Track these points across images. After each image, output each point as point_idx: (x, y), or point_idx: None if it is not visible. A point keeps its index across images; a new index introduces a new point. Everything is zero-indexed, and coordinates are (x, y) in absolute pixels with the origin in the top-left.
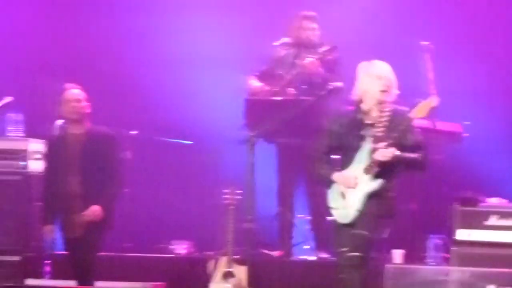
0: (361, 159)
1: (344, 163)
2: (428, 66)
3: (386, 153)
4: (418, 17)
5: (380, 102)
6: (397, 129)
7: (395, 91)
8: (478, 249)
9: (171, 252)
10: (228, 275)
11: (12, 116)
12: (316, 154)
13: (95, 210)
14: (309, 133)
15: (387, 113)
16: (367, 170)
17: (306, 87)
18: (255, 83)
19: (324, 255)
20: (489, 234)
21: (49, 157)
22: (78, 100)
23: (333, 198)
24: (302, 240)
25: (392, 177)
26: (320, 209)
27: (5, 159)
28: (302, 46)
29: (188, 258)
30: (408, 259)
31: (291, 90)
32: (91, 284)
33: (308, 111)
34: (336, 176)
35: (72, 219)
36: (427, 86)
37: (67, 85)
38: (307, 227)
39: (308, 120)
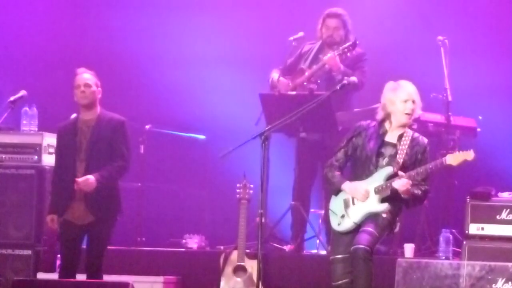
0: (378, 178)
1: (355, 174)
2: (444, 61)
3: (405, 185)
4: (434, 11)
5: (404, 125)
6: (416, 158)
7: (419, 112)
8: (490, 243)
9: (183, 246)
10: (239, 269)
11: (26, 110)
12: (330, 160)
13: (87, 179)
14: (325, 128)
15: (407, 141)
16: (378, 191)
17: (326, 83)
18: (276, 76)
19: None
20: (501, 228)
21: (59, 143)
22: (87, 85)
23: (335, 203)
24: (314, 235)
25: (398, 204)
26: None
27: (19, 153)
28: (326, 44)
29: (200, 252)
30: (420, 253)
31: (311, 85)
32: (99, 278)
33: (322, 105)
34: (346, 185)
35: (77, 206)
36: (442, 81)
37: (79, 69)
38: (319, 221)
39: (323, 115)
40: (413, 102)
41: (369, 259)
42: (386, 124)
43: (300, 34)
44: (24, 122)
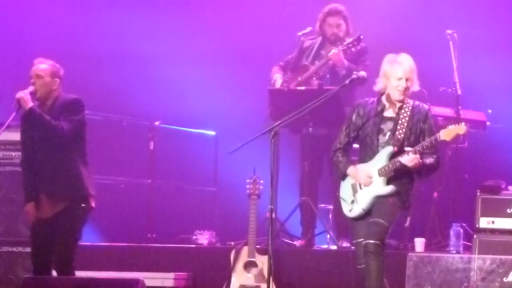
0: (380, 159)
1: (361, 155)
2: (453, 55)
3: (413, 160)
4: (443, 5)
5: (397, 101)
6: (417, 127)
7: (415, 88)
8: (500, 236)
9: (193, 242)
10: (250, 265)
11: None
12: (334, 143)
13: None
14: (333, 123)
15: (407, 112)
16: (382, 172)
17: (331, 78)
18: (276, 74)
19: (345, 244)
20: None
21: (22, 136)
22: (39, 76)
23: (344, 189)
24: (324, 230)
25: (408, 181)
26: None
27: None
28: (330, 41)
29: (211, 248)
30: (430, 247)
31: (315, 81)
32: (70, 274)
33: (331, 101)
34: (350, 169)
35: (43, 199)
36: (451, 75)
37: (36, 60)
38: (329, 216)
39: (332, 110)
40: (407, 80)
41: (380, 253)
42: (384, 98)
43: (309, 29)
44: None
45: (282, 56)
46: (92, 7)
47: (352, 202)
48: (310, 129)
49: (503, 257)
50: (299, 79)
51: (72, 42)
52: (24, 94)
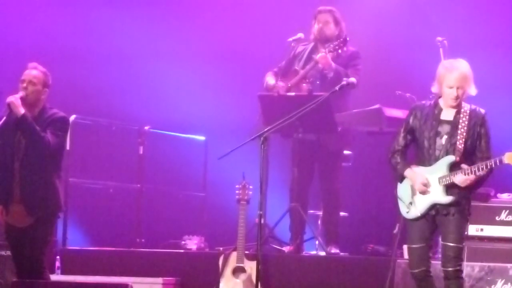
0: (440, 167)
1: (418, 157)
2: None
3: (465, 181)
4: (433, 12)
5: (453, 107)
6: (474, 131)
7: (472, 92)
8: (489, 244)
9: (182, 247)
10: (239, 271)
11: None
12: (392, 145)
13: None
14: (323, 128)
15: (466, 117)
16: (442, 182)
17: (320, 82)
18: (270, 80)
19: (334, 250)
20: (501, 230)
21: (2, 138)
22: (32, 83)
23: (402, 189)
24: (313, 236)
25: (468, 192)
26: (331, 204)
27: None
28: (318, 41)
29: (199, 253)
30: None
31: (305, 86)
32: (46, 279)
33: (321, 106)
34: (408, 172)
35: (16, 208)
36: None
37: (30, 64)
38: (318, 222)
39: (322, 116)
40: (458, 88)
41: (460, 277)
42: (441, 102)
43: (300, 35)
44: None
45: (272, 61)
46: (82, 11)
47: (410, 203)
48: (300, 134)
49: (491, 264)
50: (289, 84)
51: (62, 46)
52: (15, 99)
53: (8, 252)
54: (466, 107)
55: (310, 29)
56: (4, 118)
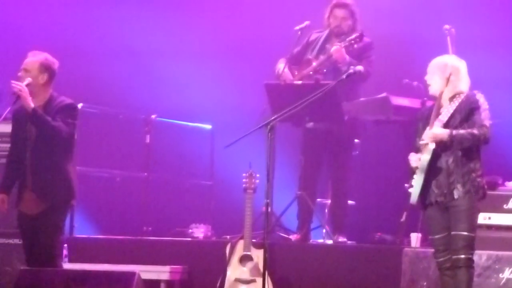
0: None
1: None
2: (450, 50)
3: (429, 134)
4: (441, 0)
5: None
6: (465, 112)
7: (463, 87)
8: (497, 232)
9: (189, 236)
10: (245, 259)
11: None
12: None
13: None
14: (329, 118)
15: (459, 100)
16: (424, 147)
17: (333, 74)
18: (281, 67)
19: (341, 239)
20: (508, 218)
21: (13, 129)
22: (25, 70)
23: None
24: (320, 224)
25: (469, 170)
26: (339, 193)
27: None
28: (333, 33)
29: (206, 242)
30: (426, 242)
31: (318, 75)
32: (57, 266)
33: (328, 95)
34: (409, 158)
35: (28, 196)
36: None
37: (31, 52)
38: (326, 211)
39: (328, 105)
40: (429, 76)
41: (471, 266)
42: (441, 100)
43: (306, 23)
44: None
45: (279, 50)
46: (88, 1)
47: (412, 188)
48: (311, 123)
49: (499, 253)
50: (298, 72)
51: (68, 35)
52: (25, 93)
53: (16, 241)
54: (462, 95)
55: (319, 16)
56: (12, 107)
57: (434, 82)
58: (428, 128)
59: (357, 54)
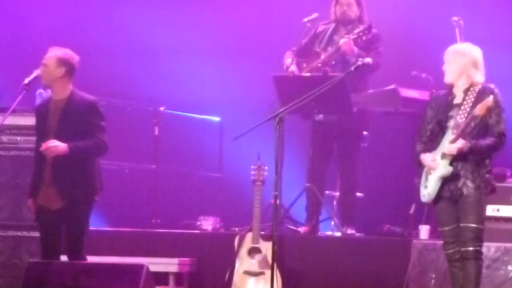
0: (443, 144)
1: (435, 143)
2: (458, 41)
3: (452, 148)
4: None
5: (469, 84)
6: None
7: (479, 78)
8: (505, 224)
9: (198, 228)
10: (254, 251)
11: (41, 92)
12: (416, 135)
13: (56, 145)
14: (338, 109)
15: (474, 95)
16: (443, 156)
17: (342, 66)
18: (289, 61)
19: (350, 231)
20: None
21: (36, 124)
22: (43, 65)
23: (422, 176)
24: (328, 216)
25: (480, 162)
26: (348, 185)
27: (34, 135)
28: (340, 22)
29: (215, 234)
30: (435, 234)
31: (326, 68)
32: (82, 260)
33: (336, 87)
34: (422, 156)
35: (49, 190)
36: None
37: (51, 48)
38: (334, 203)
39: (337, 97)
40: (450, 64)
41: (479, 258)
42: (454, 89)
43: (315, 15)
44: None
45: (287, 41)
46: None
47: (426, 187)
48: (320, 115)
49: (507, 245)
50: (307, 65)
51: (77, 28)
52: (51, 149)
53: (24, 233)
54: (476, 87)
55: (326, 8)
56: (19, 98)
57: (450, 71)
58: (450, 139)
59: (365, 45)
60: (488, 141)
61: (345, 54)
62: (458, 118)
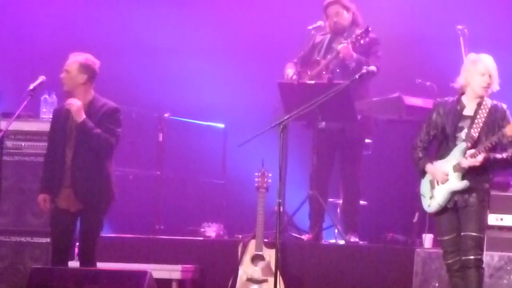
0: (454, 156)
1: (440, 152)
2: (463, 50)
3: (471, 161)
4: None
5: (480, 97)
6: (495, 124)
7: (496, 87)
8: (509, 233)
9: (201, 235)
10: (257, 258)
11: (46, 97)
12: (415, 140)
13: (79, 106)
14: (343, 117)
15: (486, 110)
16: (457, 169)
17: (341, 71)
18: (290, 70)
19: (353, 239)
20: None
21: (52, 127)
22: (65, 71)
23: (423, 185)
24: (332, 224)
25: (485, 175)
26: (351, 192)
27: (39, 140)
28: (335, 33)
29: (218, 241)
30: (438, 243)
31: (326, 75)
32: (92, 265)
33: (341, 95)
34: (428, 167)
35: (66, 193)
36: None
37: (72, 53)
38: (338, 210)
39: (342, 104)
40: (490, 76)
41: (480, 266)
42: (464, 98)
43: (319, 23)
44: (44, 110)
45: (291, 48)
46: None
47: (431, 198)
48: (324, 123)
49: (511, 254)
50: (310, 73)
51: (81, 33)
52: (77, 107)
53: (28, 239)
54: (487, 101)
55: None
56: (24, 103)
57: (464, 79)
58: (470, 153)
59: (364, 50)
60: (504, 155)
61: (344, 59)
62: (473, 132)
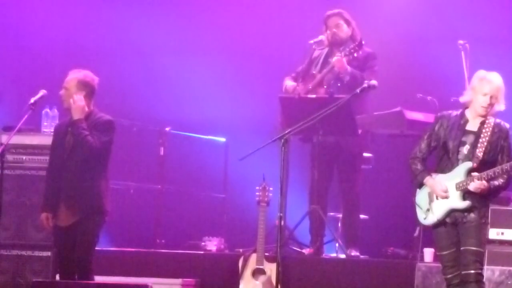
0: (458, 174)
1: (441, 166)
2: (464, 65)
3: (479, 186)
4: (455, 15)
5: (482, 116)
6: (497, 144)
7: (501, 107)
8: (510, 248)
9: (202, 248)
10: (258, 273)
11: (47, 111)
12: (414, 150)
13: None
14: (343, 131)
15: (489, 128)
16: (459, 187)
17: (336, 85)
18: (289, 84)
19: (354, 253)
20: None
21: (53, 142)
22: (64, 88)
23: (420, 196)
24: (333, 238)
25: (484, 199)
26: (350, 206)
27: (40, 154)
28: (333, 45)
29: (219, 255)
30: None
31: (323, 89)
32: (89, 279)
33: (342, 109)
34: (428, 180)
35: (60, 207)
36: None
37: (72, 71)
38: (338, 224)
39: (342, 118)
40: (492, 97)
41: (481, 281)
42: (467, 113)
43: (321, 37)
44: (45, 123)
45: (292, 63)
46: (102, 11)
47: (428, 210)
48: (320, 137)
49: (511, 268)
50: (309, 87)
51: (82, 47)
52: (79, 104)
53: (29, 252)
54: (491, 120)
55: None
56: (25, 117)
57: (469, 96)
58: (477, 176)
59: (359, 65)
60: (499, 182)
61: (339, 73)
62: (478, 152)
